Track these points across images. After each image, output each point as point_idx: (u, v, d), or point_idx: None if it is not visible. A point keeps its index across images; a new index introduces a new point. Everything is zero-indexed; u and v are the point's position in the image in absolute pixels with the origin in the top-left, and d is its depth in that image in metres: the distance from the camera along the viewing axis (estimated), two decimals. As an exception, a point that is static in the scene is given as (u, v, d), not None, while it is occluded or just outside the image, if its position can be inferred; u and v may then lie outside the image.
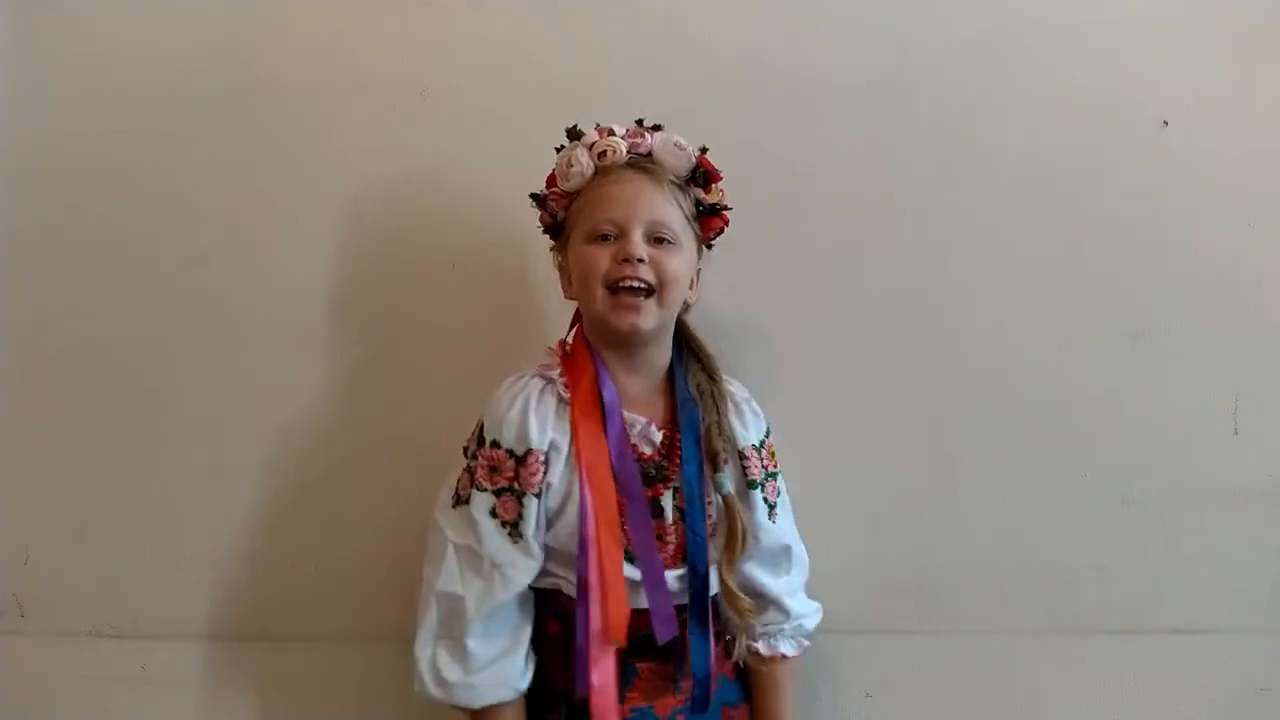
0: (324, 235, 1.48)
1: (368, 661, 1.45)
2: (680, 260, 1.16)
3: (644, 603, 1.13)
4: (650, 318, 1.14)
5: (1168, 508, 1.47)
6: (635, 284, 1.13)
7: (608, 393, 1.16)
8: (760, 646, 1.24)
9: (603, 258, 1.14)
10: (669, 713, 1.17)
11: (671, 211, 1.17)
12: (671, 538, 1.17)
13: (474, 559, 1.14)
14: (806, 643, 1.28)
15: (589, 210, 1.17)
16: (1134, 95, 1.49)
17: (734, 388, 1.26)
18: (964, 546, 1.46)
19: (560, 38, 1.49)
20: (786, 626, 1.25)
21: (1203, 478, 1.47)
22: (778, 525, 1.24)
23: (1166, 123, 1.49)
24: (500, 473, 1.14)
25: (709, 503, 1.17)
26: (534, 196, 1.25)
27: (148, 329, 1.48)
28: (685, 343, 1.25)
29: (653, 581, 1.13)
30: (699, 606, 1.15)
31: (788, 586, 1.25)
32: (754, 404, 1.27)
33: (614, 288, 1.14)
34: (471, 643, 1.13)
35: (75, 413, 1.48)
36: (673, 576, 1.16)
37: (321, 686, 1.45)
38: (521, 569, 1.14)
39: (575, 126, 1.22)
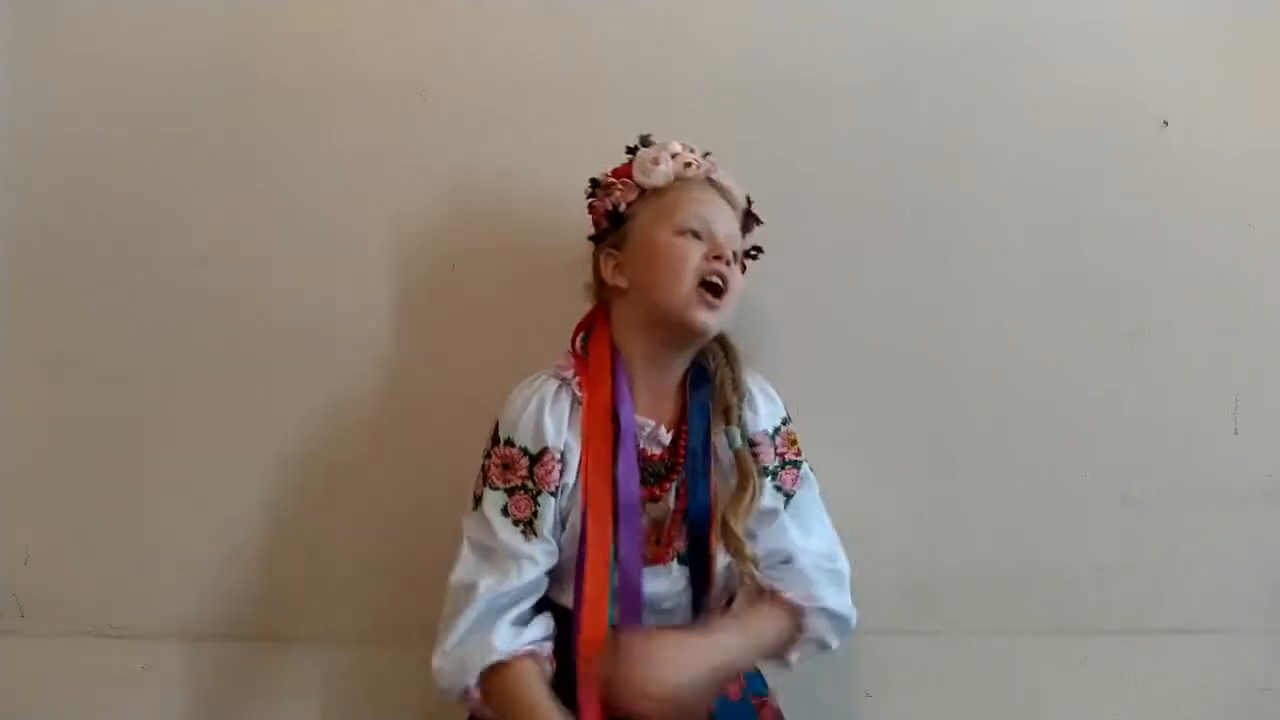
0: (324, 235, 1.48)
1: (369, 661, 1.45)
2: (742, 281, 1.20)
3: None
4: (719, 320, 1.17)
5: (1168, 508, 1.47)
6: (721, 282, 1.15)
7: (624, 413, 1.16)
8: (759, 577, 1.16)
9: (696, 251, 1.15)
10: None
11: (738, 236, 1.21)
12: (673, 537, 1.18)
13: (488, 552, 1.13)
14: (820, 612, 1.18)
15: (678, 207, 1.18)
16: (1134, 95, 1.49)
17: (749, 376, 1.25)
18: (964, 546, 1.46)
19: (560, 38, 1.49)
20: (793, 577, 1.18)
21: (1203, 478, 1.47)
22: (825, 564, 1.21)
23: (1166, 123, 1.49)
24: (513, 470, 1.14)
25: (715, 462, 1.18)
26: (594, 182, 1.24)
27: (148, 329, 1.48)
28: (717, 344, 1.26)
29: (626, 609, 1.13)
30: (698, 594, 1.17)
31: (813, 559, 1.20)
32: (770, 391, 1.26)
33: (703, 282, 1.14)
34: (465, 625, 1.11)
35: (75, 413, 1.48)
36: (676, 571, 1.18)
37: (322, 686, 1.45)
38: (537, 558, 1.13)
39: (648, 136, 1.23)
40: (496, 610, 1.11)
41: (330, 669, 1.46)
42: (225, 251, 1.48)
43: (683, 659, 1.06)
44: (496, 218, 1.46)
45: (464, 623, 1.10)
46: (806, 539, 1.21)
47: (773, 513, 1.19)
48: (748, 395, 1.22)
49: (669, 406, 1.21)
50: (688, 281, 1.14)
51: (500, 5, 1.50)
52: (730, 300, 1.16)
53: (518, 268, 1.45)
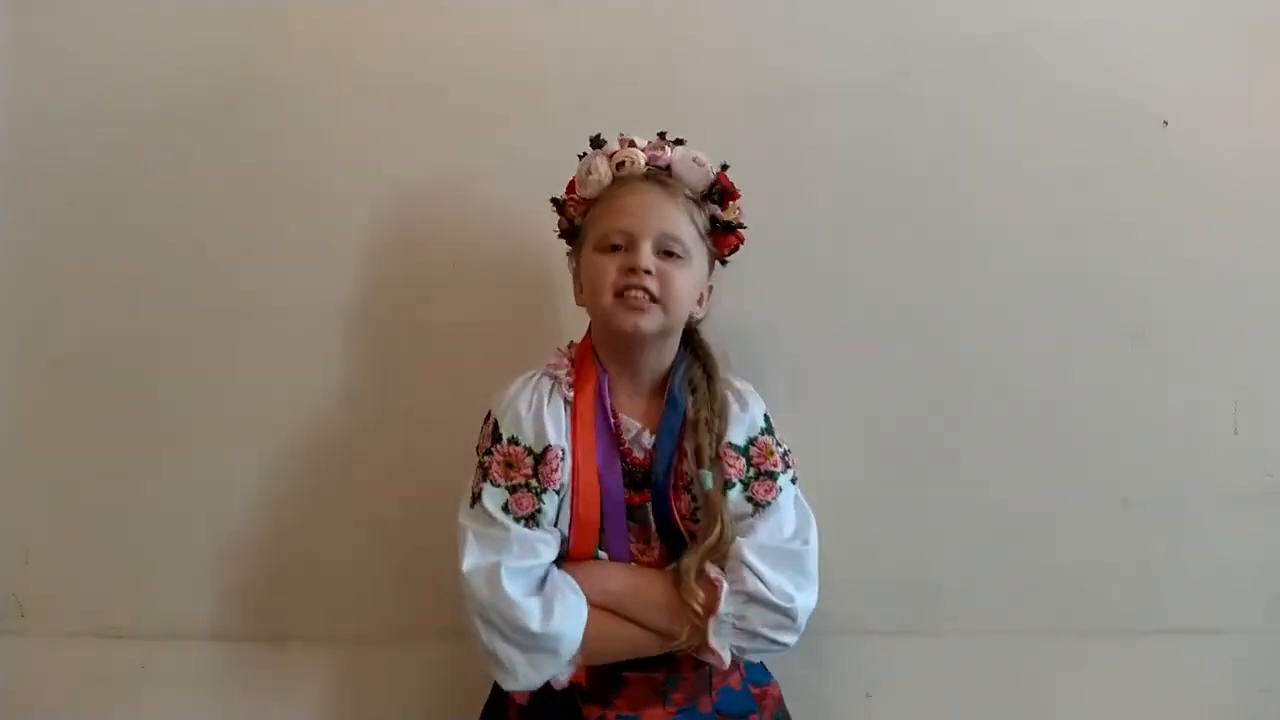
0: (324, 235, 1.48)
1: (369, 661, 1.45)
2: (688, 275, 1.18)
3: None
4: (653, 321, 1.16)
5: (1168, 508, 1.47)
6: (639, 294, 1.14)
7: (607, 406, 1.19)
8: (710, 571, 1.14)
9: (611, 267, 1.16)
10: None
11: (683, 226, 1.18)
12: (655, 542, 1.20)
13: (495, 540, 1.13)
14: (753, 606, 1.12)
15: (603, 219, 1.18)
16: (1134, 95, 1.49)
17: (738, 383, 1.25)
18: (964, 546, 1.46)
19: (560, 38, 1.49)
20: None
21: (1203, 478, 1.47)
22: (766, 523, 1.16)
23: (1166, 123, 1.49)
24: (517, 469, 1.15)
25: (685, 491, 1.18)
26: (554, 201, 1.27)
27: (148, 329, 1.48)
28: (693, 347, 1.26)
29: None
30: None
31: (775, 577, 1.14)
32: (747, 397, 1.23)
33: (619, 294, 1.15)
34: (517, 591, 1.10)
35: (75, 413, 1.48)
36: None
37: (321, 686, 1.46)
38: (549, 540, 1.14)
39: (599, 136, 1.22)
40: (535, 585, 1.12)
41: (330, 669, 1.46)
42: (225, 251, 1.49)
43: (593, 575, 1.15)
44: (496, 218, 1.46)
45: (508, 604, 1.08)
46: (766, 534, 1.17)
47: (744, 517, 1.17)
48: (722, 407, 1.20)
49: (654, 409, 1.21)
50: (607, 296, 1.15)
51: (500, 5, 1.50)
52: (669, 299, 1.15)
53: (517, 268, 1.46)
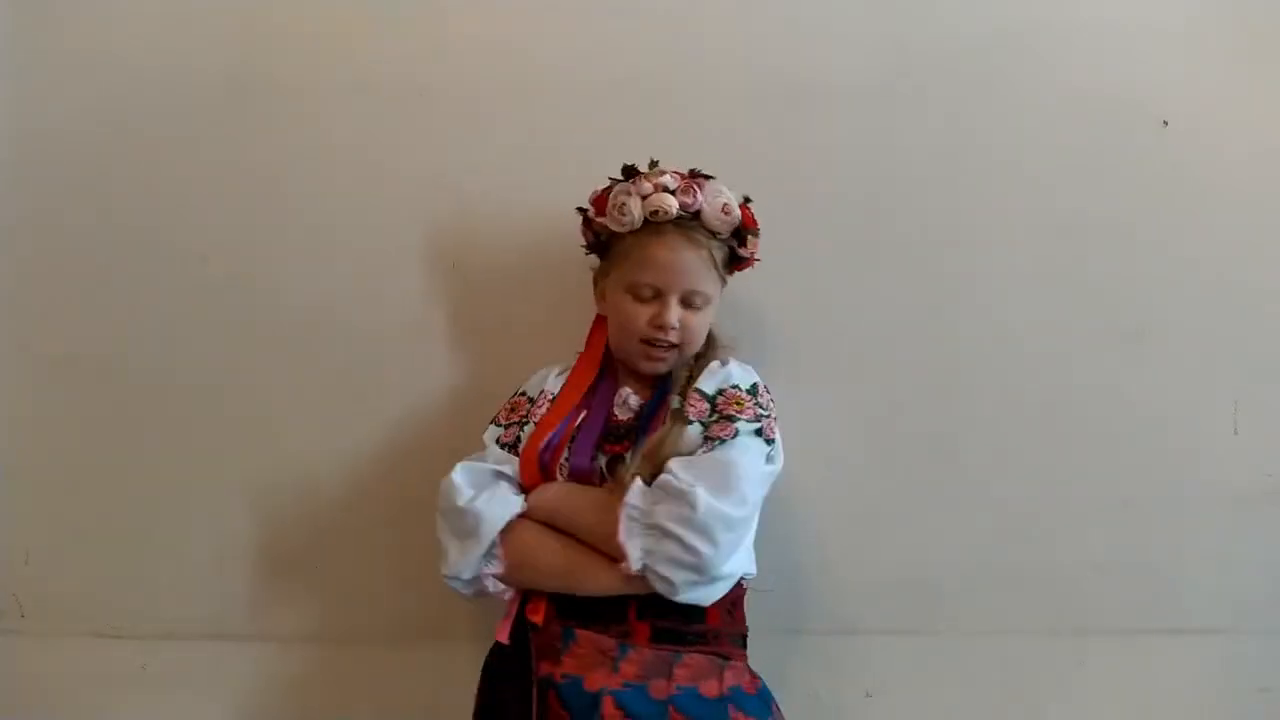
0: (324, 235, 1.48)
1: (366, 662, 1.45)
2: (706, 316, 1.28)
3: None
4: (669, 364, 1.27)
5: (1168, 508, 1.47)
6: (664, 344, 1.25)
7: (607, 375, 1.31)
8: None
9: (641, 316, 1.25)
10: (597, 689, 1.12)
11: (707, 278, 1.26)
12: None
13: (475, 456, 1.26)
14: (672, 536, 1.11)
15: (634, 265, 1.25)
16: (1134, 95, 1.49)
17: (734, 362, 1.29)
18: (964, 546, 1.46)
19: (561, 38, 1.49)
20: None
21: (1203, 478, 1.47)
22: (713, 453, 1.17)
23: (1166, 123, 1.49)
24: (516, 411, 1.30)
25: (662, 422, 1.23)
26: (582, 214, 1.31)
27: (148, 329, 1.48)
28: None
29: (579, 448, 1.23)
30: None
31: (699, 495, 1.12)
32: (733, 364, 1.28)
33: (646, 341, 1.25)
34: (461, 478, 1.21)
35: (76, 413, 1.48)
36: None
37: (321, 686, 1.45)
38: (511, 461, 1.24)
39: (633, 166, 1.26)
40: (479, 477, 1.22)
41: (330, 669, 1.46)
42: (225, 251, 1.49)
43: (537, 491, 1.22)
44: (496, 217, 1.46)
45: (448, 486, 1.20)
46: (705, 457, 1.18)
47: (696, 449, 1.19)
48: (702, 367, 1.28)
49: (647, 381, 1.31)
50: (633, 341, 1.26)
51: (500, 5, 1.50)
52: (687, 344, 1.26)
53: (518, 267, 1.46)
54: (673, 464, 1.15)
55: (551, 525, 1.20)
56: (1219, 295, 1.48)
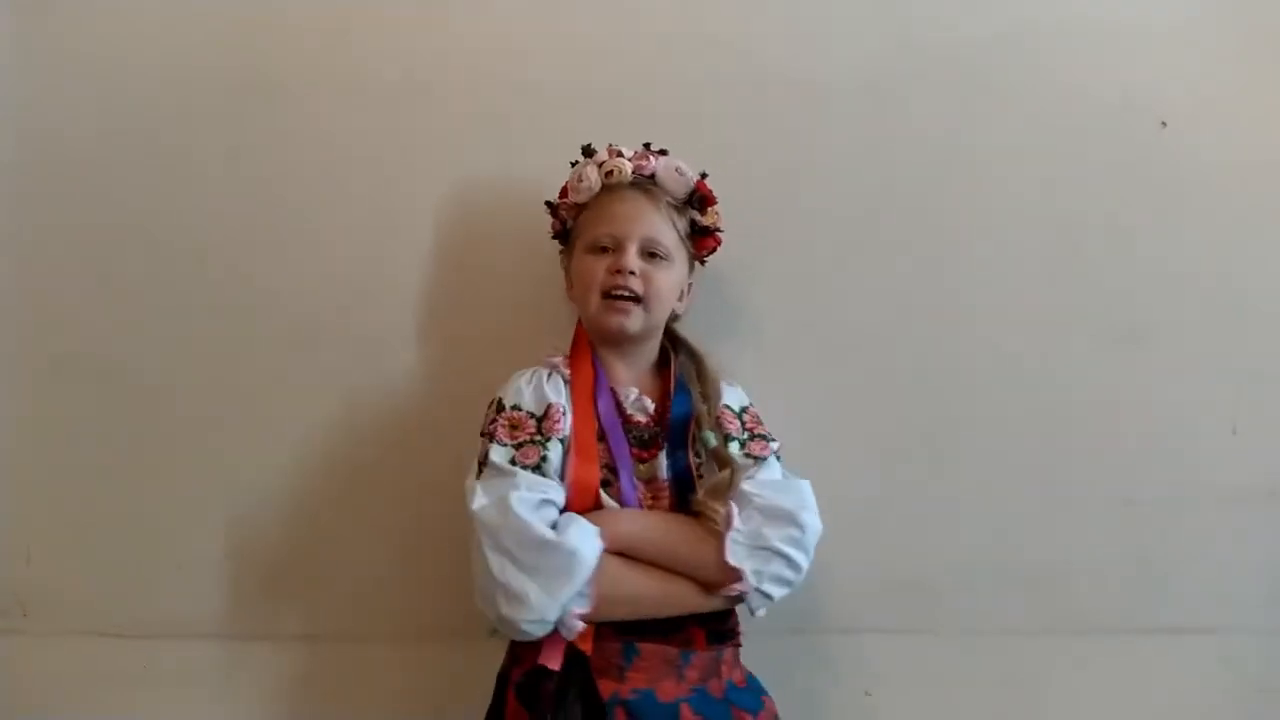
0: (324, 235, 1.48)
1: (368, 661, 1.45)
2: (670, 275, 1.27)
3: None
4: (636, 321, 1.25)
5: (1168, 508, 1.47)
6: (625, 293, 1.24)
7: (600, 374, 1.27)
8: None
9: (599, 268, 1.25)
10: (671, 699, 1.15)
11: (666, 230, 1.27)
12: (665, 495, 1.23)
13: (503, 480, 1.15)
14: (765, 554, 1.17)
15: (592, 223, 1.28)
16: (1134, 95, 1.49)
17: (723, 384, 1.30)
18: (964, 546, 1.46)
19: (560, 37, 1.49)
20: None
21: (1202, 478, 1.47)
22: (762, 471, 1.23)
23: (1166, 123, 1.49)
24: (521, 429, 1.20)
25: (695, 453, 1.24)
26: (548, 204, 1.35)
27: (149, 329, 1.48)
28: (675, 343, 1.33)
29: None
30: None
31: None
32: (734, 388, 1.32)
33: (607, 294, 1.24)
34: (527, 511, 1.11)
35: (76, 413, 1.48)
36: None
37: (321, 686, 1.46)
38: (554, 486, 1.16)
39: (589, 145, 1.30)
40: (545, 516, 1.13)
41: (331, 669, 1.46)
42: (225, 251, 1.49)
43: (605, 518, 1.16)
44: (496, 217, 1.46)
45: (519, 521, 1.10)
46: (764, 475, 1.24)
47: (744, 470, 1.23)
48: (714, 381, 1.29)
49: (648, 381, 1.30)
50: (595, 296, 1.25)
51: (500, 5, 1.50)
52: (653, 303, 1.25)
53: (517, 267, 1.46)
54: (749, 486, 1.20)
55: (621, 553, 1.16)
56: (1218, 295, 1.48)
